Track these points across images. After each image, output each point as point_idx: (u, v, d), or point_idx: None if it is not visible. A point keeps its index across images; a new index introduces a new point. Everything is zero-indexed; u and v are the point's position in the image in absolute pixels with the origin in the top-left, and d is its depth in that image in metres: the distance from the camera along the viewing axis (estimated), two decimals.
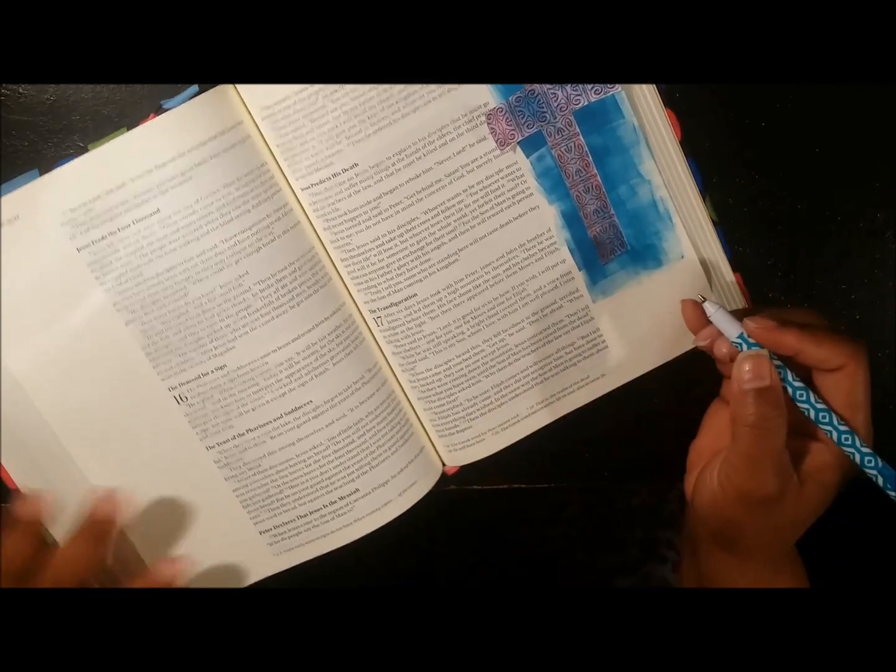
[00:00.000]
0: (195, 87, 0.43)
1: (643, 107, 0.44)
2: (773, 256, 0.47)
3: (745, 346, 0.41)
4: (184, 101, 0.43)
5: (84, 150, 0.43)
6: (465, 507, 0.55)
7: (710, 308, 0.42)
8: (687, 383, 0.48)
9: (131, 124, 0.43)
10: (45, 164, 0.43)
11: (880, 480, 0.40)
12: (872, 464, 0.40)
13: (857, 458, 0.40)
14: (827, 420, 0.40)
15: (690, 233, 0.46)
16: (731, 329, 0.41)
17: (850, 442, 0.40)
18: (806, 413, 0.41)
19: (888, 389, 0.42)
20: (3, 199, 0.43)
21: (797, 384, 0.41)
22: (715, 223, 0.46)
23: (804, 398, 0.41)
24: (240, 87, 0.43)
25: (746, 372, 0.40)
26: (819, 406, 0.41)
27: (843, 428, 0.40)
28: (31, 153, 0.49)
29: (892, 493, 0.40)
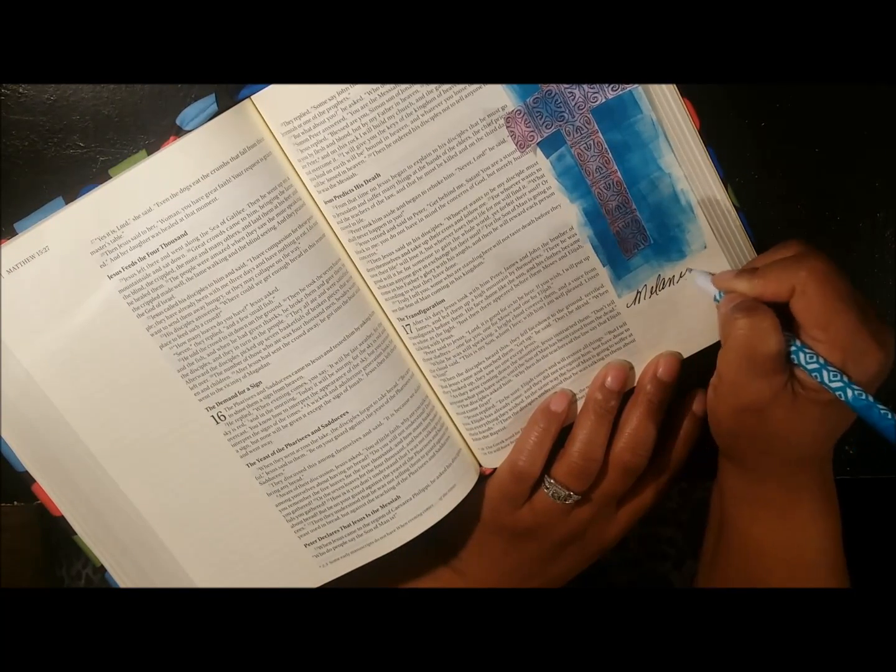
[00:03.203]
0: (214, 107, 0.43)
1: (661, 100, 0.45)
2: None
3: (720, 297, 0.45)
4: (203, 122, 0.43)
5: (107, 177, 0.43)
6: None
7: (693, 275, 0.47)
8: (698, 378, 0.49)
9: (149, 146, 0.43)
10: (69, 192, 0.43)
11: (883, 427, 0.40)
12: (862, 401, 0.40)
13: (851, 403, 0.40)
14: (818, 374, 0.41)
15: (713, 222, 0.47)
16: (709, 288, 0.46)
17: (843, 394, 0.40)
18: (805, 371, 0.41)
19: (889, 389, 0.43)
20: (33, 230, 0.43)
21: (789, 342, 0.42)
22: (738, 209, 0.47)
23: (798, 359, 0.41)
24: (259, 103, 0.44)
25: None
26: (811, 363, 0.41)
27: (835, 383, 0.40)
28: (31, 153, 0.49)
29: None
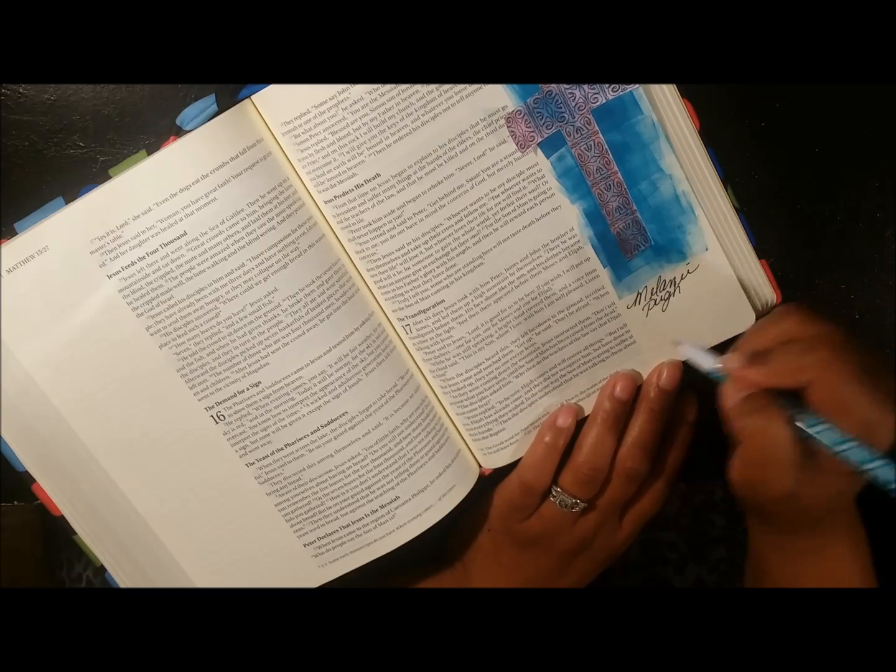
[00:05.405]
0: (214, 107, 0.43)
1: (661, 101, 0.44)
2: (773, 256, 0.48)
3: (718, 377, 0.44)
4: (203, 122, 0.43)
5: (107, 177, 0.43)
6: None
7: (682, 350, 0.47)
8: (697, 381, 0.48)
9: (149, 146, 0.43)
10: (69, 192, 0.43)
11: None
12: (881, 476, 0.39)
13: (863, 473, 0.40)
14: (849, 455, 0.40)
15: (713, 223, 0.46)
16: (705, 363, 0.45)
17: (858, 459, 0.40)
18: (821, 443, 0.41)
19: None
20: (33, 230, 0.43)
21: (809, 418, 0.41)
22: (738, 210, 0.47)
23: (813, 428, 0.41)
24: (259, 103, 0.44)
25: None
26: (839, 445, 0.40)
27: (869, 464, 0.40)
28: (32, 153, 0.49)
29: None
